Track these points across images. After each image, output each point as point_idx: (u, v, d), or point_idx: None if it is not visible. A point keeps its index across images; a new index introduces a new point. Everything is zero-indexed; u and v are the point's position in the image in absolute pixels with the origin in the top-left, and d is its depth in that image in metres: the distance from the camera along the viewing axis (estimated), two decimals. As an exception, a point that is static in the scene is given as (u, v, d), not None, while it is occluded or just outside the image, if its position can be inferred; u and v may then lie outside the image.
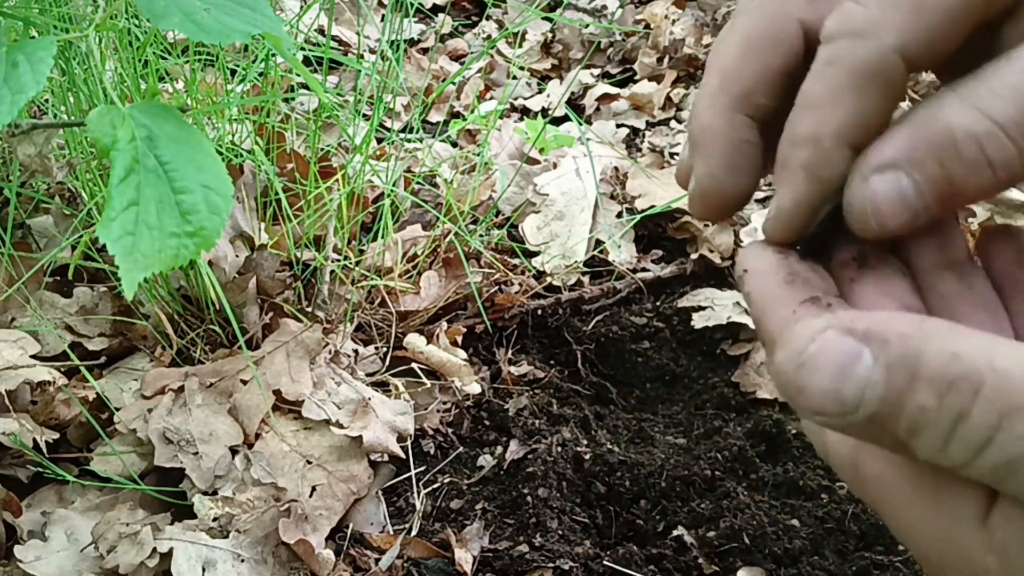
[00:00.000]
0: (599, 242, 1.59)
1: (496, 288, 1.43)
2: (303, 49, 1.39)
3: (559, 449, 1.15)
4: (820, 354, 0.27)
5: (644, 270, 1.57)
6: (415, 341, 1.30)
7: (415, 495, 1.14)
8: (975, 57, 0.31)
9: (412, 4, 1.43)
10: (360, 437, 1.11)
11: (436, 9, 2.66)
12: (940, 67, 0.34)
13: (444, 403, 1.26)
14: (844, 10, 0.31)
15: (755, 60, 0.34)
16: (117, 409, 1.14)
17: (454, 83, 2.13)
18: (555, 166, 1.72)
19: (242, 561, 1.00)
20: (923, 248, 0.34)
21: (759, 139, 0.35)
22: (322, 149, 1.43)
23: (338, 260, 1.31)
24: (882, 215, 0.30)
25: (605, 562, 1.03)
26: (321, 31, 2.06)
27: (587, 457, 1.14)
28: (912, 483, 0.29)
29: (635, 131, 2.09)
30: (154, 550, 0.98)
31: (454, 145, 1.83)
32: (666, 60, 2.29)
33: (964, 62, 0.31)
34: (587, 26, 2.43)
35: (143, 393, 1.15)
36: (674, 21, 2.40)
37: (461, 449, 1.20)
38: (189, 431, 1.10)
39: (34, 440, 1.07)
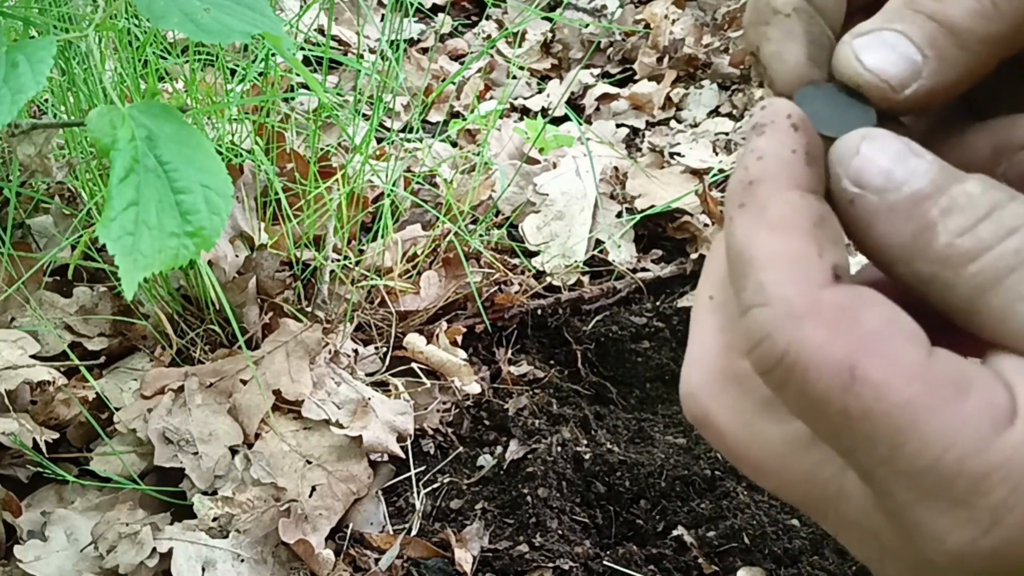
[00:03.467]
0: (599, 242, 1.59)
1: (496, 288, 1.43)
2: (303, 49, 1.39)
3: (559, 449, 1.15)
4: (888, 138, 0.28)
5: (644, 270, 1.57)
6: (415, 341, 1.30)
7: (415, 495, 1.14)
8: None
9: (412, 4, 1.43)
10: (360, 437, 1.11)
11: (436, 9, 2.66)
12: None
13: (444, 403, 1.26)
14: None
15: None
16: (117, 409, 1.14)
17: (454, 83, 2.13)
18: (555, 166, 1.72)
19: (242, 561, 1.00)
20: None
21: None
22: (322, 149, 1.43)
23: (338, 260, 1.31)
24: (870, 58, 0.30)
25: (605, 562, 1.03)
26: (321, 31, 2.06)
27: (587, 457, 1.14)
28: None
29: (635, 131, 2.09)
30: (154, 550, 0.98)
31: (454, 145, 1.83)
32: (666, 60, 2.29)
33: None
34: (587, 26, 2.43)
35: (143, 393, 1.15)
36: (674, 21, 2.40)
37: (461, 449, 1.20)
38: (189, 431, 1.10)
39: (34, 440, 1.07)
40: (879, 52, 0.30)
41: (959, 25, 0.29)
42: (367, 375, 1.27)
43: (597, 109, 2.18)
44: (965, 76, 0.30)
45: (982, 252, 0.26)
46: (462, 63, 2.29)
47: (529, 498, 1.09)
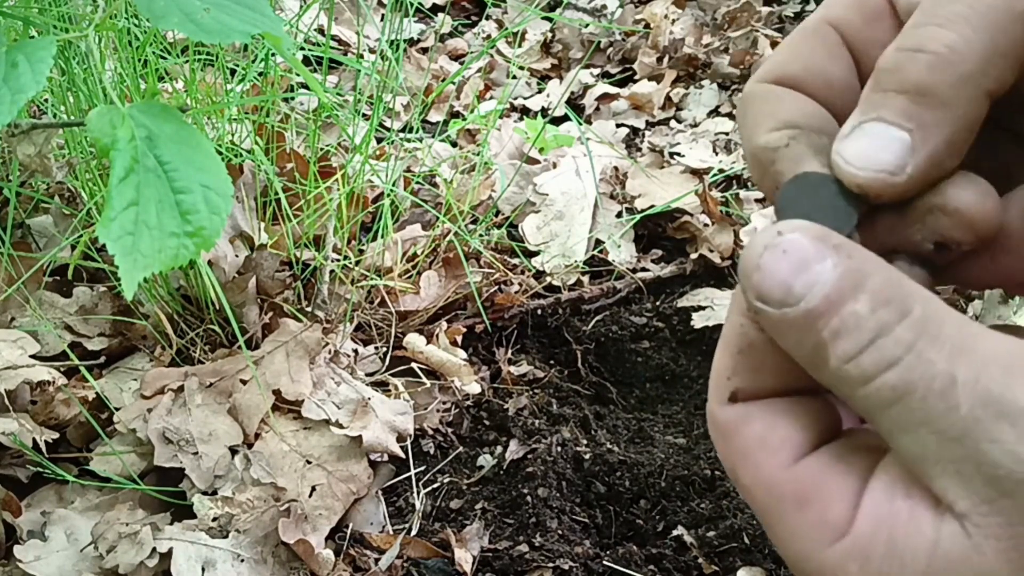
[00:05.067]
0: (599, 242, 1.59)
1: (496, 288, 1.43)
2: (303, 49, 1.39)
3: (559, 449, 1.15)
4: (791, 245, 0.28)
5: (644, 270, 1.57)
6: (415, 341, 1.30)
7: (415, 495, 1.14)
8: None
9: (412, 4, 1.43)
10: (360, 437, 1.11)
11: (436, 9, 2.66)
12: None
13: (444, 403, 1.26)
14: None
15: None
16: (117, 409, 1.14)
17: (454, 83, 2.13)
18: (555, 166, 1.72)
19: (242, 561, 1.00)
20: None
21: None
22: (322, 149, 1.42)
23: (338, 260, 1.31)
24: (859, 158, 0.30)
25: (605, 562, 1.03)
26: (321, 31, 2.05)
27: (587, 457, 1.14)
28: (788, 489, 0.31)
29: (635, 131, 2.09)
30: (154, 550, 0.98)
31: (454, 145, 1.83)
32: (666, 60, 2.29)
33: None
34: (587, 26, 2.43)
35: (143, 393, 1.15)
36: (674, 21, 2.40)
37: (461, 449, 1.20)
38: (189, 431, 1.10)
39: (34, 440, 1.07)
40: (864, 147, 0.30)
41: (924, 85, 0.29)
42: (367, 375, 1.27)
43: (597, 109, 2.18)
44: (960, 130, 0.30)
45: (866, 382, 0.27)
46: (462, 63, 2.28)
47: (529, 498, 1.09)
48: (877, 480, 0.28)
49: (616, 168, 1.75)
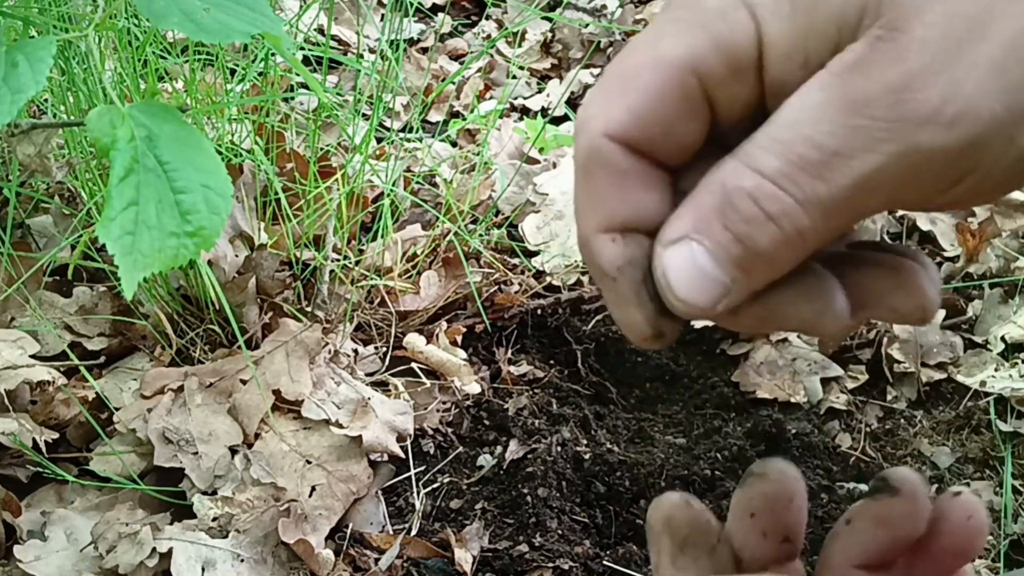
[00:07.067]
0: (599, 242, 1.58)
1: (496, 288, 1.43)
2: (303, 49, 1.39)
3: (559, 449, 1.15)
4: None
5: (644, 270, 1.57)
6: (415, 341, 1.30)
7: (415, 495, 1.14)
8: None
9: (412, 3, 1.43)
10: (360, 437, 1.11)
11: (436, 9, 2.66)
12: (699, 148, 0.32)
13: (444, 403, 1.26)
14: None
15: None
16: (117, 409, 1.14)
17: (454, 83, 2.13)
18: (555, 165, 1.72)
19: (242, 561, 1.00)
20: None
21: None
22: (322, 149, 1.43)
23: (338, 260, 1.31)
24: (680, 287, 0.30)
25: (605, 562, 1.03)
26: (321, 30, 2.05)
27: (587, 457, 1.14)
28: None
29: (635, 131, 2.09)
30: (154, 550, 0.98)
31: (454, 145, 1.83)
32: (666, 60, 2.29)
33: None
34: (587, 26, 2.43)
35: (143, 393, 1.15)
36: (674, 21, 2.40)
37: (461, 449, 1.20)
38: (189, 431, 1.10)
39: (33, 440, 1.07)
40: (688, 278, 0.30)
41: (770, 267, 0.29)
42: (367, 375, 1.27)
43: (597, 109, 2.17)
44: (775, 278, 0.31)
45: None
46: (462, 63, 2.28)
47: (529, 498, 1.09)
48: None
49: (616, 168, 1.74)
